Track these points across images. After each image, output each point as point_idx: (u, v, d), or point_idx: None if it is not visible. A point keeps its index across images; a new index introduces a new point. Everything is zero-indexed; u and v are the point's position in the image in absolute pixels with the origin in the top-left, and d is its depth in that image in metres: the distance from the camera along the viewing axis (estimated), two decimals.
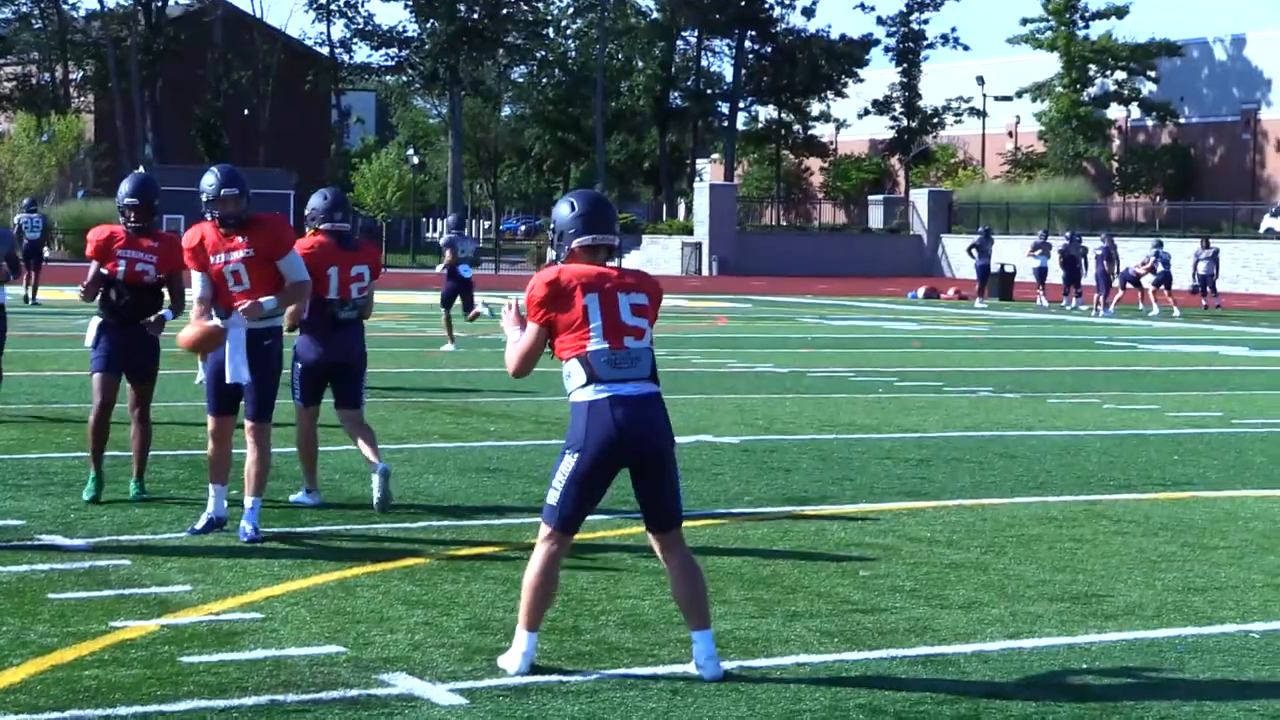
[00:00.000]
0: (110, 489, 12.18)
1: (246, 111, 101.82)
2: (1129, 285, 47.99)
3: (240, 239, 10.79)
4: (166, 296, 12.15)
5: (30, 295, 38.51)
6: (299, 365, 12.16)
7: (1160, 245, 49.49)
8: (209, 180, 10.85)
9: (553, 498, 7.83)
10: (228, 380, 10.81)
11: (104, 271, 11.97)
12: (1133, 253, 55.37)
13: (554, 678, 7.62)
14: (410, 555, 10.37)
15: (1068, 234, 53.52)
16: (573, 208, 8.03)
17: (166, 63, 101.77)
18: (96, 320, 12.09)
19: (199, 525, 10.93)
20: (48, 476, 13.13)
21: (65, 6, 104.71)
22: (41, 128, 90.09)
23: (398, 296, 46.26)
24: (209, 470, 11.06)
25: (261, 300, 10.72)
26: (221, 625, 8.49)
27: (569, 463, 7.77)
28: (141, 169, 78.87)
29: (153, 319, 11.98)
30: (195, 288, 10.95)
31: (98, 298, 12.03)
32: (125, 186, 12.04)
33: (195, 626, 8.45)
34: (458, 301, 27.49)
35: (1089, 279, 50.08)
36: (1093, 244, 51.07)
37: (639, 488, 7.90)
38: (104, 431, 12.03)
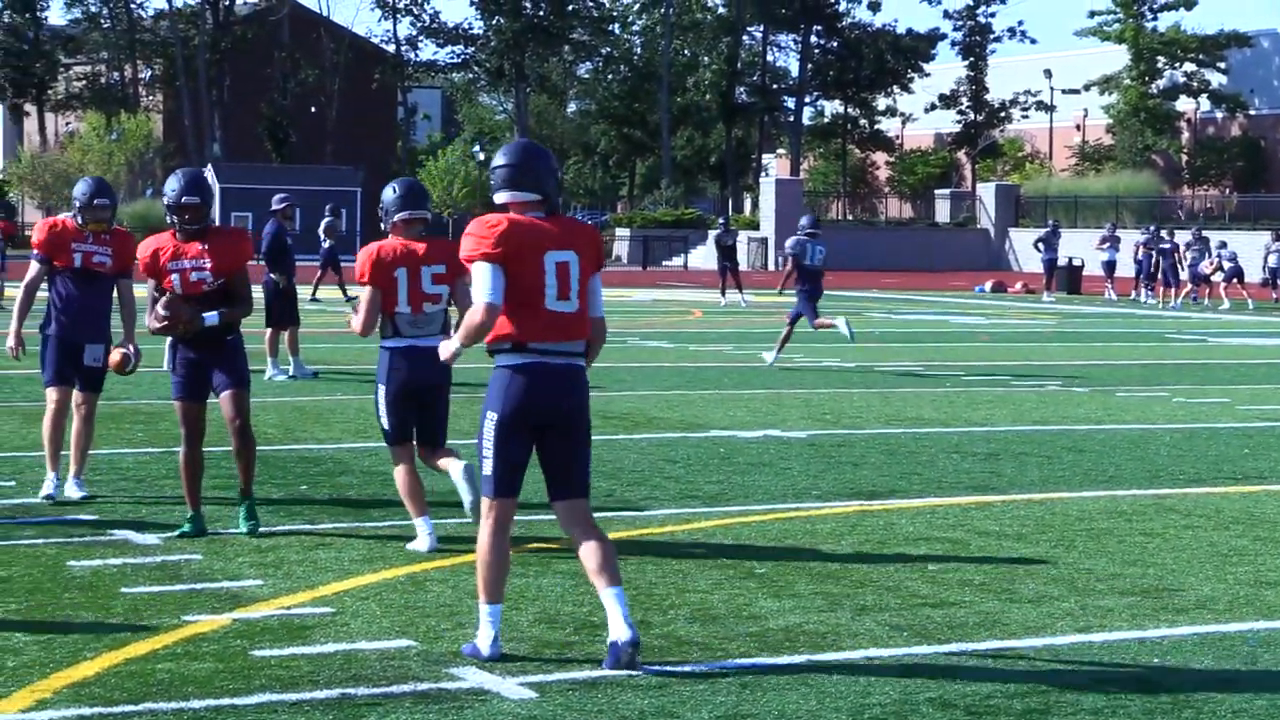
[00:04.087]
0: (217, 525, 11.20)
1: (314, 109, 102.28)
2: (1198, 283, 47.79)
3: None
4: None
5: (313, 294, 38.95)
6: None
7: (1224, 245, 49.21)
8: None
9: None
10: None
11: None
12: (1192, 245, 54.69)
13: (623, 671, 7.63)
14: None
15: (1148, 228, 53.00)
16: (394, 190, 10.62)
17: (234, 61, 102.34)
18: (170, 339, 11.29)
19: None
20: (119, 472, 13.23)
21: (134, 6, 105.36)
22: (111, 126, 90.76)
23: None
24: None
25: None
26: (292, 619, 8.53)
27: (380, 392, 10.48)
28: (210, 166, 79.32)
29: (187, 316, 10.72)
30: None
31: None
32: (177, 183, 10.96)
33: (266, 620, 8.50)
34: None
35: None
36: (1181, 238, 50.66)
37: (421, 415, 10.52)
38: (197, 466, 10.91)
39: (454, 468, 10.31)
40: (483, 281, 7.77)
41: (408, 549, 10.42)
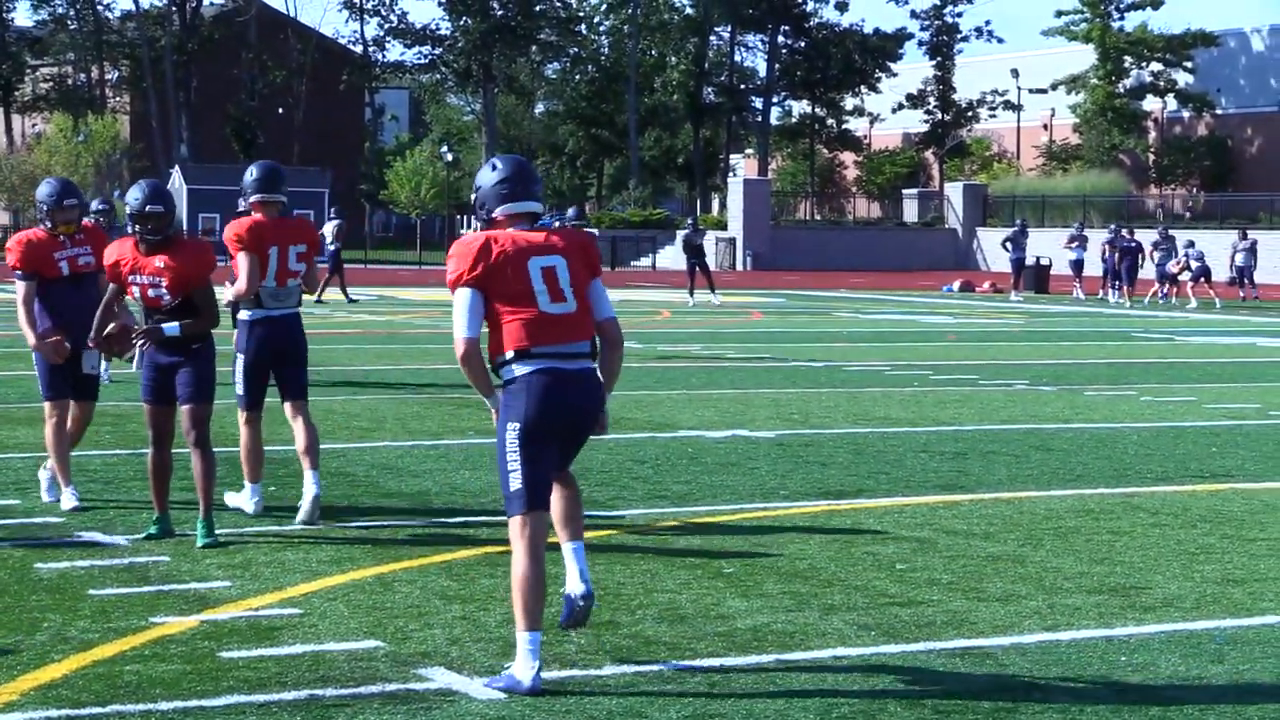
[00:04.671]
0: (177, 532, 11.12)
1: (281, 110, 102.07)
2: (1165, 282, 48.01)
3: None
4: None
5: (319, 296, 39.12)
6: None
7: (1192, 244, 49.41)
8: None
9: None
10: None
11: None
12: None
13: (591, 672, 7.63)
14: (447, 550, 10.39)
15: (1114, 228, 53.15)
16: (253, 174, 11.59)
17: (201, 63, 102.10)
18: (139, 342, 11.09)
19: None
20: (87, 474, 13.17)
21: (100, 7, 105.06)
22: (78, 128, 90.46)
23: (431, 293, 46.35)
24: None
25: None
26: (260, 621, 8.52)
27: (239, 362, 11.47)
28: (177, 168, 79.08)
29: (145, 329, 10.69)
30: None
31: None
32: (140, 192, 10.65)
33: (234, 622, 8.49)
34: None
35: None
36: (1146, 237, 50.82)
37: (284, 374, 11.54)
38: (165, 468, 10.79)
39: (308, 487, 11.25)
40: (460, 313, 7.56)
41: (229, 503, 11.60)
